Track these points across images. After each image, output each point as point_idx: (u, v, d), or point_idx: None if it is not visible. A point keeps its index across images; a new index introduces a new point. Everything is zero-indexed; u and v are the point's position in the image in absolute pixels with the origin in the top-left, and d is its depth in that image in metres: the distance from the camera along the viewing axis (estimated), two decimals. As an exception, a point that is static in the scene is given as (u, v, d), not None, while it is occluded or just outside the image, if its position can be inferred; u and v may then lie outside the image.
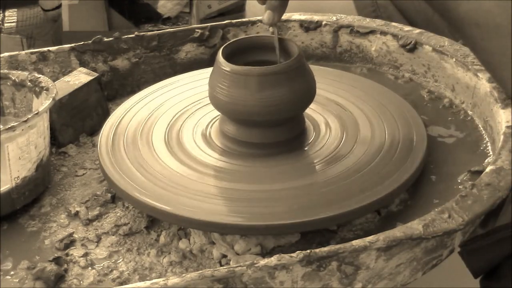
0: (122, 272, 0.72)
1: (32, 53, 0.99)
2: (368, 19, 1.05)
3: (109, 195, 0.82)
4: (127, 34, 1.03)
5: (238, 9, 2.13)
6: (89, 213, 0.80)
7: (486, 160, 0.82)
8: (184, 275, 0.61)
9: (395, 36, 1.01)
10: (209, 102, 0.82)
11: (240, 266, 0.61)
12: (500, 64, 0.71)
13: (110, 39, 1.01)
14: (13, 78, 0.88)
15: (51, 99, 0.81)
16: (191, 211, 0.72)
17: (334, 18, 1.06)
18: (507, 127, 0.77)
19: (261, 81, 0.77)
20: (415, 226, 0.64)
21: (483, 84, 0.86)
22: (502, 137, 0.76)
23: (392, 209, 0.78)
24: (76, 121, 0.93)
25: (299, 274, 0.63)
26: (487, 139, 0.86)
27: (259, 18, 1.06)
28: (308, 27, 1.07)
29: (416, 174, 0.77)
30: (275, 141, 0.81)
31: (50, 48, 1.00)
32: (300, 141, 0.82)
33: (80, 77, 0.94)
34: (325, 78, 0.93)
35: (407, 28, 1.01)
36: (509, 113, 0.79)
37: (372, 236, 0.63)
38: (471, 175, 0.79)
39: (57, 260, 0.72)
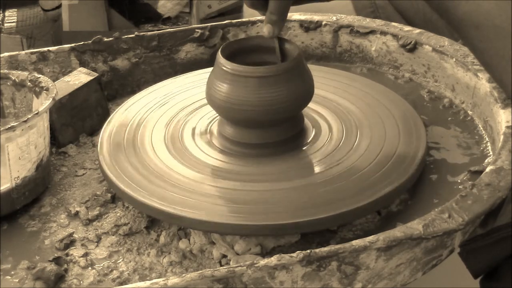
0: (122, 272, 0.72)
1: (32, 53, 0.99)
2: (368, 19, 1.05)
3: (109, 195, 0.82)
4: (127, 34, 1.03)
5: (238, 9, 2.14)
6: (89, 213, 0.80)
7: (486, 160, 0.82)
8: (184, 275, 0.61)
9: (395, 36, 1.01)
10: (209, 102, 0.82)
11: (240, 266, 0.61)
12: (499, 66, 0.71)
13: (110, 39, 1.01)
14: (13, 78, 0.88)
15: (51, 99, 0.81)
16: (191, 211, 0.72)
17: (334, 18, 1.06)
18: (507, 127, 0.77)
19: (260, 81, 0.77)
20: (415, 226, 0.64)
21: (483, 84, 0.86)
22: (502, 137, 0.76)
23: (392, 209, 0.78)
24: (76, 121, 0.93)
25: (299, 274, 0.63)
26: (487, 139, 0.86)
27: (259, 18, 1.06)
28: (308, 27, 1.07)
29: (416, 174, 0.77)
30: (274, 141, 0.81)
31: (50, 48, 1.00)
32: (300, 140, 0.82)
33: (80, 77, 0.94)
34: (325, 78, 0.93)
35: (407, 28, 1.01)
36: (509, 113, 0.79)
37: (372, 236, 0.63)
38: (471, 175, 0.79)
39: (57, 260, 0.72)
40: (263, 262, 0.61)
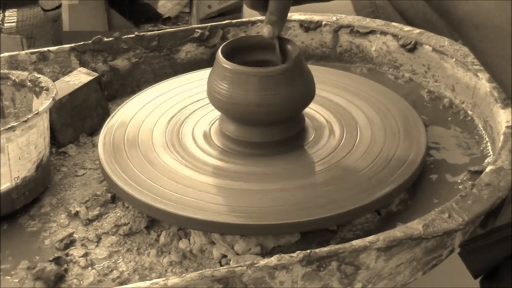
0: (122, 272, 0.72)
1: (32, 53, 0.99)
2: (368, 19, 1.05)
3: (109, 195, 0.82)
4: (127, 34, 1.03)
5: (238, 9, 2.14)
6: (89, 213, 0.80)
7: (486, 160, 0.82)
8: (184, 275, 0.61)
9: (395, 36, 1.01)
10: (209, 102, 0.82)
11: (240, 266, 0.61)
12: (499, 66, 0.71)
13: (110, 39, 1.01)
14: (13, 78, 0.88)
15: (51, 99, 0.81)
16: (191, 211, 0.72)
17: (334, 18, 1.06)
18: (507, 127, 0.77)
19: (261, 81, 0.77)
20: (415, 226, 0.64)
21: (483, 84, 0.86)
22: (502, 137, 0.76)
23: (392, 209, 0.78)
24: (76, 121, 0.93)
25: (299, 274, 0.63)
26: (487, 139, 0.86)
27: (259, 18, 1.06)
28: (308, 27, 1.07)
29: (416, 174, 0.77)
30: (275, 140, 0.81)
31: (50, 48, 1.00)
32: (300, 140, 0.82)
33: (80, 77, 0.94)
34: (325, 78, 0.93)
35: (407, 28, 1.01)
36: (509, 113, 0.79)
37: (372, 236, 0.63)
38: (471, 175, 0.79)
39: (57, 260, 0.72)
40: (263, 262, 0.61)
